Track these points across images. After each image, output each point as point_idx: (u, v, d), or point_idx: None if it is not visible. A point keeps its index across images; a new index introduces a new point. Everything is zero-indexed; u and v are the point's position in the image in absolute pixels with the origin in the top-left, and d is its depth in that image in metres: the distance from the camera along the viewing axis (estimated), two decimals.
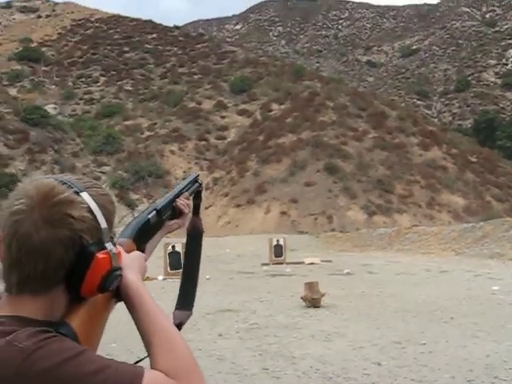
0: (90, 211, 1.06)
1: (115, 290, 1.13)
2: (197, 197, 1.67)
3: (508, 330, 8.53)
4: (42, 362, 0.93)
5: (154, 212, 1.42)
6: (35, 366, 0.93)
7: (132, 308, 1.12)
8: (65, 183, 1.06)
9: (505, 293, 12.21)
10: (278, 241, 21.55)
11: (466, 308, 10.59)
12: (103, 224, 1.08)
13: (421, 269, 17.94)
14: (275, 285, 15.05)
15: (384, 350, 7.48)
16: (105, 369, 0.96)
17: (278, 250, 21.22)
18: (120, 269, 1.11)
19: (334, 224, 39.15)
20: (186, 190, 1.63)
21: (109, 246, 1.08)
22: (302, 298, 11.41)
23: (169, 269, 16.32)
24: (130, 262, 1.17)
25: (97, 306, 1.12)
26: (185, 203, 1.59)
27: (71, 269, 1.04)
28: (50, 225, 1.02)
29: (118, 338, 7.49)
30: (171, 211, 1.53)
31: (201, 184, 1.72)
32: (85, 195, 1.07)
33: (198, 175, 1.74)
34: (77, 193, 1.06)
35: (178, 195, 1.58)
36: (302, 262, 20.98)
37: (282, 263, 20.54)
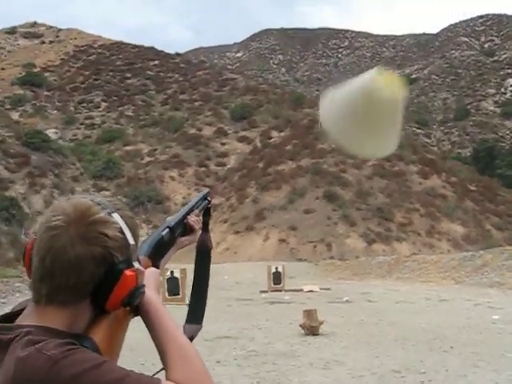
0: (121, 231, 1.15)
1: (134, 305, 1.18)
2: (206, 213, 1.70)
3: (508, 359, 8.47)
4: (68, 370, 0.98)
5: (167, 229, 1.47)
6: (61, 373, 0.98)
7: (149, 322, 1.18)
8: (99, 204, 1.15)
9: (505, 322, 12.14)
10: (276, 268, 21.47)
11: (466, 337, 10.53)
12: (131, 241, 1.17)
13: (420, 297, 17.86)
14: (274, 312, 14.97)
15: (383, 378, 7.42)
16: (125, 378, 1.01)
17: (277, 278, 21.13)
18: (144, 286, 1.17)
19: (333, 252, 39.04)
20: (197, 207, 1.66)
21: (136, 264, 1.16)
22: (300, 325, 11.34)
23: (167, 294, 16.23)
24: (148, 279, 1.23)
25: (117, 320, 1.18)
26: (196, 220, 1.62)
27: (99, 284, 1.11)
28: (85, 241, 1.10)
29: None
30: (182, 228, 1.57)
31: (210, 201, 1.74)
32: (116, 216, 1.16)
33: (209, 192, 1.77)
34: (109, 213, 1.15)
35: (188, 212, 1.61)
36: (301, 290, 20.88)
37: (280, 290, 20.45)
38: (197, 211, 1.65)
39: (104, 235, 1.11)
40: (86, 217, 1.11)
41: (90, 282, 1.11)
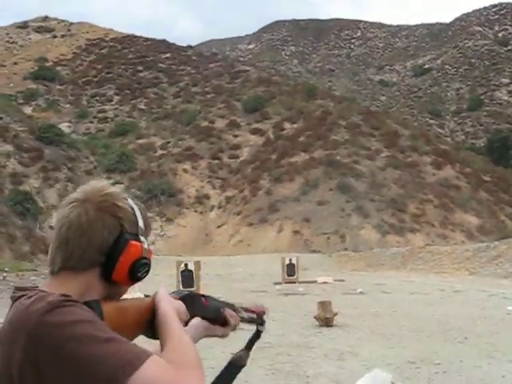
0: (132, 209, 1.28)
1: (149, 323, 1.25)
2: (257, 335, 1.66)
3: None
4: (59, 317, 1.07)
5: (202, 297, 1.49)
6: (52, 318, 1.07)
7: (159, 328, 1.23)
8: (115, 186, 1.33)
9: None
10: (290, 260, 21.47)
11: (481, 328, 10.49)
12: (141, 222, 1.29)
13: (434, 288, 17.80)
14: (288, 304, 14.99)
15: (398, 369, 7.41)
16: (110, 340, 1.07)
17: (291, 269, 21.13)
18: (149, 260, 1.28)
19: (346, 243, 39.00)
20: (240, 311, 1.61)
21: (143, 239, 1.27)
22: (314, 317, 11.35)
23: (181, 287, 16.29)
24: (169, 299, 1.30)
25: (129, 315, 1.25)
26: (233, 315, 1.57)
27: (108, 253, 1.22)
28: (98, 210, 1.23)
29: None
30: (216, 315, 1.52)
31: (263, 323, 1.71)
32: (129, 200, 1.31)
33: (265, 314, 1.73)
34: (126, 198, 1.30)
35: (229, 306, 1.57)
36: (315, 281, 20.87)
37: (294, 282, 20.46)
38: (239, 315, 1.60)
39: (116, 206, 1.25)
40: (101, 190, 1.27)
41: (100, 249, 1.22)
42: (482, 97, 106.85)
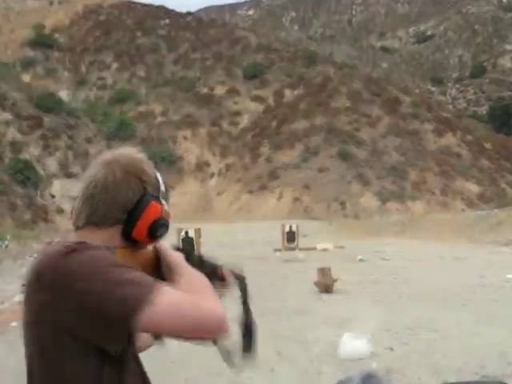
0: (155, 174, 1.38)
1: (154, 269, 1.33)
2: (243, 287, 1.65)
3: None
4: (78, 257, 1.15)
5: (198, 255, 1.55)
6: (70, 258, 1.15)
7: (168, 268, 1.33)
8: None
9: None
10: (290, 227, 21.51)
11: (480, 295, 10.56)
12: (163, 187, 1.38)
13: (434, 256, 17.88)
14: (288, 270, 15.08)
15: (397, 335, 7.48)
16: (126, 274, 1.15)
17: (291, 236, 21.19)
18: (168, 222, 1.36)
19: (347, 210, 39.09)
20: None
21: (163, 202, 1.36)
22: (314, 283, 11.42)
23: None
24: (173, 252, 1.38)
25: (139, 260, 1.32)
26: (229, 273, 1.61)
27: (130, 212, 1.30)
28: (125, 171, 1.32)
29: None
30: (212, 270, 1.56)
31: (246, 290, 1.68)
32: (153, 167, 1.40)
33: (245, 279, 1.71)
34: (150, 164, 1.40)
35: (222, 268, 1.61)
36: (315, 248, 20.98)
37: (294, 249, 20.54)
38: (227, 270, 1.62)
39: (142, 169, 1.34)
40: (129, 155, 1.37)
41: (123, 208, 1.30)
42: (485, 64, 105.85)
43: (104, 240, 1.27)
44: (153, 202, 1.31)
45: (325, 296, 10.80)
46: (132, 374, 1.29)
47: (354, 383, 2.16)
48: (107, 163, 1.33)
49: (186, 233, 17.48)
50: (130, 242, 1.31)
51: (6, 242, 20.49)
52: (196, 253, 1.55)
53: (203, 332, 1.18)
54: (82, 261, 1.15)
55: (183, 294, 1.17)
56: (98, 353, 1.17)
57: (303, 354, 6.62)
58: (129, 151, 1.39)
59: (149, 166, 1.38)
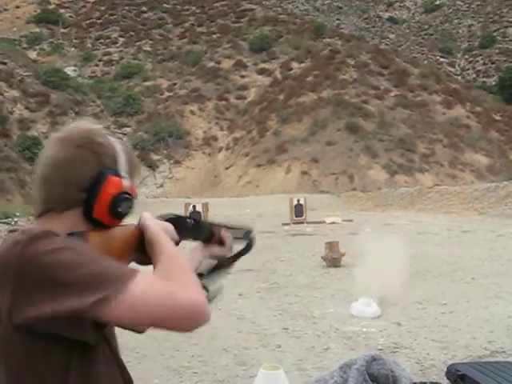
0: (112, 145, 1.25)
1: (139, 247, 1.25)
2: (247, 247, 1.70)
3: None
4: (43, 245, 1.07)
5: (193, 219, 1.50)
6: (35, 247, 1.07)
7: (150, 246, 1.23)
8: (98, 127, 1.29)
9: None
10: (298, 200, 21.51)
11: (488, 268, 10.51)
12: (121, 158, 1.25)
13: (443, 228, 17.82)
14: (296, 244, 15.09)
15: (404, 310, 7.47)
16: (96, 263, 1.08)
17: (299, 210, 21.20)
18: (130, 195, 1.25)
19: (355, 183, 38.96)
20: (230, 230, 1.66)
21: (123, 174, 1.24)
22: (322, 257, 11.41)
23: None
24: (155, 220, 1.30)
25: (116, 242, 1.24)
26: (228, 236, 1.63)
27: (87, 190, 1.19)
28: (76, 145, 1.21)
29: None
30: (209, 234, 1.57)
31: (251, 242, 1.74)
32: (113, 139, 1.28)
33: (252, 233, 1.76)
34: (108, 136, 1.27)
35: (220, 226, 1.62)
36: (323, 222, 20.96)
37: (302, 223, 20.56)
38: (230, 234, 1.64)
39: (95, 142, 1.22)
40: (81, 127, 1.26)
41: (79, 186, 1.19)
42: (495, 34, 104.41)
43: (67, 226, 1.18)
44: (110, 177, 1.21)
45: (332, 270, 10.80)
46: (105, 362, 1.20)
47: (358, 366, 2.14)
48: (59, 140, 1.23)
49: (194, 207, 17.54)
50: (94, 223, 1.22)
51: (16, 219, 20.60)
52: (191, 219, 1.49)
53: (178, 321, 1.08)
54: (50, 249, 1.07)
55: (156, 282, 1.09)
56: (61, 349, 1.10)
57: (310, 329, 6.62)
58: (82, 123, 1.28)
59: (105, 138, 1.25)
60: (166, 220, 1.36)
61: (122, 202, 1.22)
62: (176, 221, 1.38)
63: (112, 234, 1.24)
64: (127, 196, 1.23)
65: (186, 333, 1.13)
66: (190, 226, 1.47)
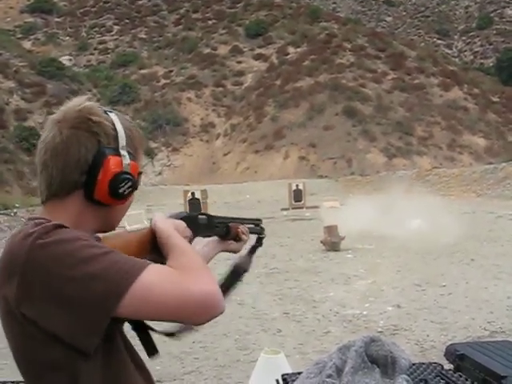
0: (111, 122, 1.20)
1: (154, 249, 1.24)
2: (258, 241, 1.72)
3: None
4: (56, 237, 1.07)
5: (205, 216, 1.52)
6: (48, 239, 1.06)
7: (162, 246, 1.22)
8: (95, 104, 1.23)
9: None
10: (297, 185, 21.47)
11: (487, 249, 10.55)
12: (122, 135, 1.20)
13: (442, 211, 17.80)
14: (295, 229, 15.12)
15: (404, 292, 7.50)
16: (108, 255, 1.07)
17: (298, 195, 21.17)
18: (132, 175, 1.20)
19: (353, 167, 38.93)
20: (245, 224, 1.68)
21: (124, 153, 1.19)
22: (321, 241, 11.43)
23: None
24: (167, 220, 1.30)
25: (131, 246, 1.24)
26: (244, 231, 1.64)
27: (87, 172, 1.16)
28: (72, 127, 1.17)
29: None
30: (226, 230, 1.59)
31: (263, 231, 1.78)
32: (112, 114, 1.22)
33: (261, 222, 1.79)
34: (105, 112, 1.22)
35: (235, 220, 1.64)
36: (318, 207, 20.92)
37: (301, 208, 20.54)
38: (246, 228, 1.67)
39: (90, 120, 1.17)
40: (74, 107, 1.20)
41: (78, 168, 1.16)
42: (492, 14, 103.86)
43: (71, 214, 1.17)
44: (110, 156, 1.16)
45: (332, 254, 10.82)
46: (122, 357, 1.18)
47: (356, 347, 2.14)
48: (55, 123, 1.19)
49: (193, 194, 17.51)
50: (97, 206, 1.19)
51: (15, 210, 20.59)
52: (203, 216, 1.51)
53: (190, 312, 1.06)
54: (63, 239, 1.06)
55: (167, 273, 1.08)
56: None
57: (310, 313, 6.64)
58: (75, 102, 1.22)
59: (100, 115, 1.19)
60: (180, 218, 1.37)
61: (122, 182, 1.18)
62: (188, 218, 1.40)
63: (126, 237, 1.25)
64: (127, 176, 1.19)
65: (198, 325, 1.12)
66: (202, 223, 1.48)
